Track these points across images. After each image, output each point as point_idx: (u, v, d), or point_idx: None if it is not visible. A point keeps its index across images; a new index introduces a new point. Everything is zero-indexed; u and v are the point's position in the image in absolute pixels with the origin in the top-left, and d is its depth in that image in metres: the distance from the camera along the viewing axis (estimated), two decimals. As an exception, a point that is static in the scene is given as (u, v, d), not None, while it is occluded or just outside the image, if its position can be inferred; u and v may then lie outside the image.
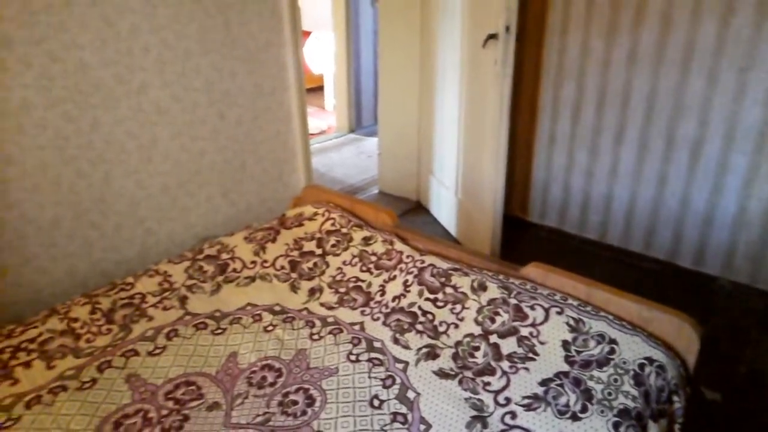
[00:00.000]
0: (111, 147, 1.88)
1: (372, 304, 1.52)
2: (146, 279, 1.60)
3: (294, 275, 1.66)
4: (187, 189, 2.14)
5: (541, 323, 1.33)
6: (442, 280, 1.51)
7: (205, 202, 2.22)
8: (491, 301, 1.41)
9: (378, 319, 1.46)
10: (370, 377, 1.26)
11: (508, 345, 1.30)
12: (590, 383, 1.18)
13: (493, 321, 1.36)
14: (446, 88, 2.86)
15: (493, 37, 2.32)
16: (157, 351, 1.35)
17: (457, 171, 2.84)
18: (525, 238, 3.03)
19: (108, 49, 1.78)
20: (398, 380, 1.24)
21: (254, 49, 2.22)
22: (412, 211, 3.32)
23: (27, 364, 1.29)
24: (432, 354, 1.31)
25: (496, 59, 2.33)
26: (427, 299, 1.48)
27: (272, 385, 1.25)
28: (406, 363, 1.30)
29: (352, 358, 1.32)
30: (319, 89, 5.72)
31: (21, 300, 1.77)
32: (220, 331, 1.43)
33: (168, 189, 2.08)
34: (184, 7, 1.95)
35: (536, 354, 1.27)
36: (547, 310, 1.35)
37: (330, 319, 1.47)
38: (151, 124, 1.96)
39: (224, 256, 1.71)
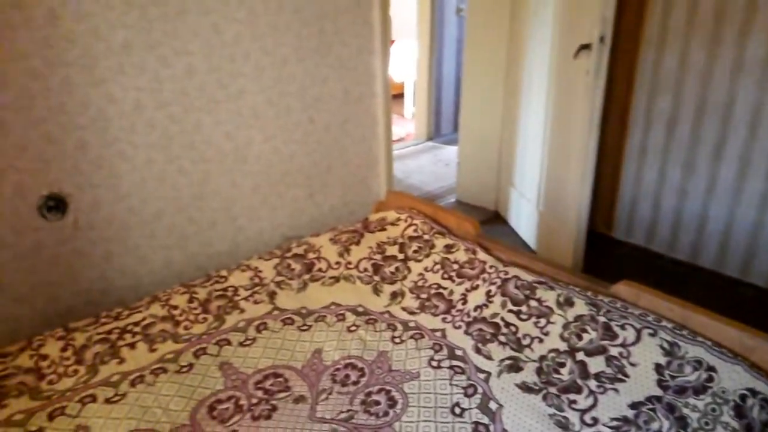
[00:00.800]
0: (210, 147, 1.99)
1: (453, 312, 1.52)
2: (239, 273, 1.68)
3: (376, 278, 1.69)
4: (277, 190, 2.24)
5: (632, 344, 1.28)
6: (527, 292, 1.49)
7: (291, 203, 2.31)
8: (578, 318, 1.37)
9: (459, 327, 1.46)
10: (451, 384, 1.26)
11: (596, 364, 1.26)
12: (685, 411, 1.12)
13: (579, 338, 1.33)
14: (532, 99, 2.82)
15: (585, 47, 2.26)
16: (248, 342, 1.43)
17: (540, 183, 2.79)
18: (608, 255, 2.91)
19: (214, 56, 1.90)
20: (480, 390, 1.24)
21: (345, 57, 2.29)
22: (489, 222, 3.29)
23: (132, 346, 1.40)
24: (515, 366, 1.30)
25: (587, 70, 2.27)
26: (510, 311, 1.46)
27: (355, 383, 1.28)
28: (488, 373, 1.29)
29: (434, 364, 1.33)
30: (398, 97, 5.79)
31: (124, 286, 1.92)
32: (305, 327, 1.48)
33: (259, 189, 2.18)
34: (284, 17, 2.05)
35: (626, 375, 1.23)
36: (638, 331, 1.30)
37: (411, 324, 1.49)
38: (247, 126, 2.07)
39: (311, 255, 1.77)
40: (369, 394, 1.25)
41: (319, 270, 1.73)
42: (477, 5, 3.19)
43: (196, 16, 1.82)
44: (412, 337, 1.43)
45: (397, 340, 1.43)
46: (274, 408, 1.21)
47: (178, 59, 1.82)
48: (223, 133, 2.01)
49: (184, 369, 1.33)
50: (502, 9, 3.02)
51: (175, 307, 1.52)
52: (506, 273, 1.57)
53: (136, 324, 1.46)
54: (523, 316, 1.43)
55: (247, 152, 2.10)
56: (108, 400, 1.23)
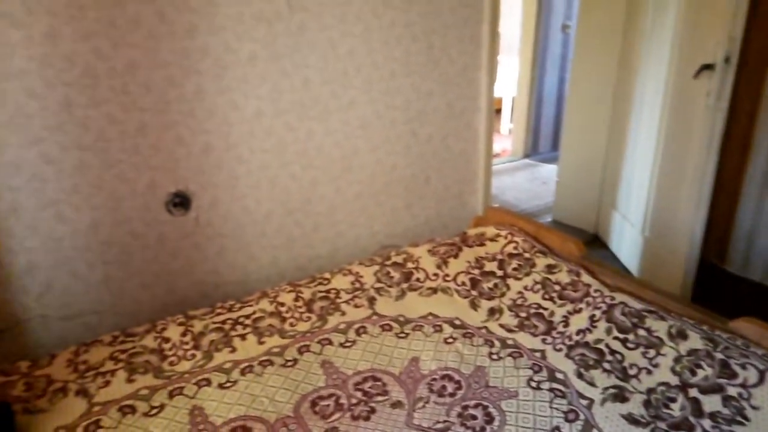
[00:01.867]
0: (320, 155, 2.09)
1: (554, 333, 1.49)
2: (341, 277, 1.75)
3: (474, 293, 1.69)
4: (377, 199, 2.30)
5: (754, 385, 1.19)
6: (634, 320, 1.43)
7: (389, 212, 2.36)
8: (692, 352, 1.30)
9: (560, 350, 1.42)
10: (551, 407, 1.23)
11: (711, 403, 1.19)
12: (817, 465, 1.03)
13: (693, 373, 1.25)
14: (642, 118, 2.69)
15: (707, 67, 2.14)
16: (348, 344, 1.48)
17: (647, 207, 2.65)
18: (721, 289, 2.71)
19: (328, 69, 2.00)
20: (582, 416, 1.20)
21: (451, 72, 2.32)
22: (588, 244, 3.15)
23: (243, 337, 1.50)
24: (620, 396, 1.25)
25: (708, 91, 2.14)
26: (616, 338, 1.41)
27: (452, 395, 1.29)
28: (591, 400, 1.25)
29: (533, 384, 1.31)
30: (496, 112, 5.74)
31: (233, 280, 2.05)
32: (403, 335, 1.51)
33: (361, 197, 2.25)
34: (395, 32, 2.11)
35: (746, 419, 1.14)
36: (762, 372, 1.20)
37: (509, 342, 1.48)
38: (355, 137, 2.15)
39: (409, 265, 1.80)
40: (466, 407, 1.25)
41: (417, 280, 1.75)
42: (587, 22, 3.11)
43: (315, 32, 1.93)
44: (510, 355, 1.42)
45: (495, 357, 1.42)
46: (373, 410, 1.25)
47: (297, 71, 1.94)
48: (333, 142, 2.10)
49: (289, 363, 1.40)
50: (614, 25, 2.92)
51: (282, 304, 1.61)
52: (612, 298, 1.51)
53: (247, 317, 1.56)
54: (630, 345, 1.37)
55: (352, 161, 2.18)
56: (221, 386, 1.32)
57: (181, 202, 1.86)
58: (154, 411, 1.24)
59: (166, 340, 1.46)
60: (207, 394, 1.29)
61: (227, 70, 1.80)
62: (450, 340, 1.49)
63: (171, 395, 1.29)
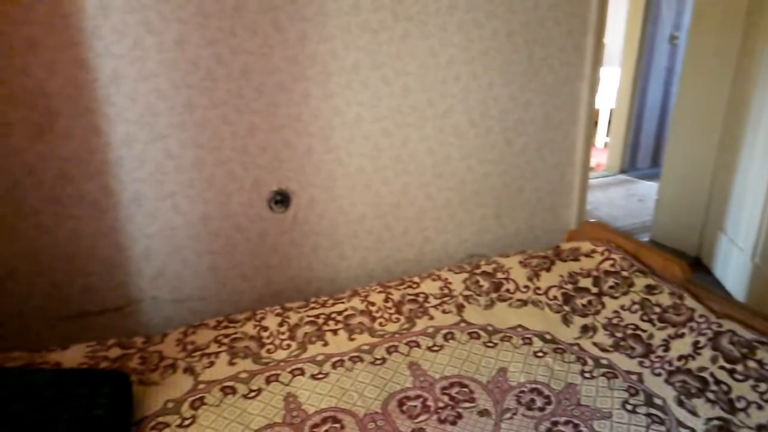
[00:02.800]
0: (413, 161, 2.13)
1: (653, 357, 1.42)
2: (430, 281, 1.77)
3: (566, 308, 1.65)
4: (466, 206, 2.30)
5: None
6: (744, 351, 1.33)
7: (479, 221, 2.36)
8: (812, 390, 1.19)
9: (660, 374, 1.36)
10: (648, 433, 1.18)
11: (834, 447, 1.09)
12: None
13: (812, 413, 1.15)
14: (759, 136, 2.50)
15: (841, 82, 1.96)
16: (436, 348, 1.49)
17: (759, 233, 2.46)
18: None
19: (428, 77, 2.04)
20: (681, 446, 1.14)
21: (551, 82, 2.28)
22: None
23: (334, 332, 1.55)
24: (726, 429, 1.17)
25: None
26: (722, 368, 1.32)
27: (541, 409, 1.27)
28: (693, 430, 1.18)
29: (629, 407, 1.26)
30: (590, 125, 5.53)
31: (324, 277, 2.13)
32: (491, 344, 1.51)
33: (450, 204, 2.27)
34: (496, 42, 2.11)
35: None
36: None
37: (603, 361, 1.43)
38: (448, 144, 2.17)
39: (499, 275, 1.79)
40: (555, 423, 1.22)
41: (507, 291, 1.74)
42: (701, 34, 2.94)
43: (417, 40, 1.97)
44: (604, 375, 1.37)
45: (587, 375, 1.38)
46: (459, 415, 1.25)
47: (397, 79, 1.99)
48: (426, 149, 2.14)
49: (378, 362, 1.44)
50: (731, 35, 2.74)
51: (373, 304, 1.66)
52: (719, 325, 1.42)
53: (339, 313, 1.62)
54: (739, 377, 1.29)
55: (444, 168, 2.20)
56: (313, 376, 1.38)
57: (281, 200, 1.96)
58: (252, 394, 1.32)
59: (265, 328, 1.55)
60: (300, 383, 1.36)
61: (332, 76, 1.88)
62: (540, 354, 1.46)
63: (268, 381, 1.36)
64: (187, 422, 1.23)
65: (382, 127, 2.03)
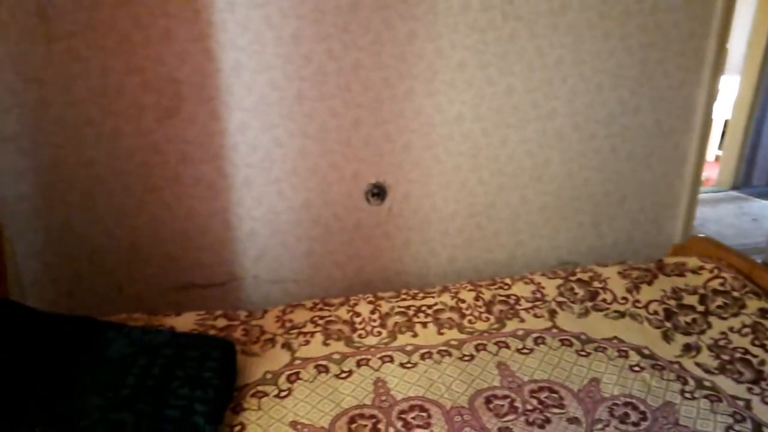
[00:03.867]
0: (511, 162, 2.11)
1: (763, 384, 1.32)
2: (522, 284, 1.75)
3: (668, 324, 1.57)
4: (563, 212, 2.25)
5: None
6: None
7: (575, 228, 2.29)
8: None
9: (771, 403, 1.26)
10: (755, 463, 1.11)
11: None
12: None
13: None
14: None
15: None
16: (525, 351, 1.48)
17: None
18: None
19: (533, 78, 2.01)
20: (794, 482, 1.06)
21: (664, 87, 2.17)
22: (807, 296, 2.71)
23: (424, 325, 1.58)
24: None
25: None
26: None
27: (635, 425, 1.22)
28: (808, 467, 1.09)
29: (734, 434, 1.18)
30: (700, 136, 5.17)
31: (413, 271, 2.17)
32: (584, 353, 1.47)
33: (546, 209, 2.22)
34: (608, 44, 2.04)
35: None
36: None
37: (707, 383, 1.35)
38: (549, 147, 2.13)
39: (596, 284, 1.74)
40: (650, 440, 1.18)
41: (603, 300, 1.68)
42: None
43: (525, 41, 1.95)
44: (706, 397, 1.30)
45: (688, 396, 1.31)
46: (548, 420, 1.24)
47: (502, 79, 1.98)
48: (525, 151, 2.11)
49: (466, 358, 1.45)
50: None
51: (463, 301, 1.67)
52: None
53: (428, 307, 1.65)
54: None
55: (543, 171, 2.16)
56: (402, 365, 1.42)
57: (378, 192, 2.02)
58: (344, 375, 1.38)
59: (357, 314, 1.61)
60: (390, 370, 1.40)
61: (437, 74, 1.91)
62: (636, 369, 1.41)
63: (358, 364, 1.42)
64: (283, 393, 1.30)
65: (483, 126, 2.03)
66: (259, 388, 1.32)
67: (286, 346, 1.48)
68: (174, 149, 1.77)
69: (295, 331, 1.53)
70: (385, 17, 1.79)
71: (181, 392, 1.17)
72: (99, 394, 1.13)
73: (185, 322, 1.53)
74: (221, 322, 1.55)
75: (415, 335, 1.54)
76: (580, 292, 1.72)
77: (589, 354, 1.47)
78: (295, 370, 1.38)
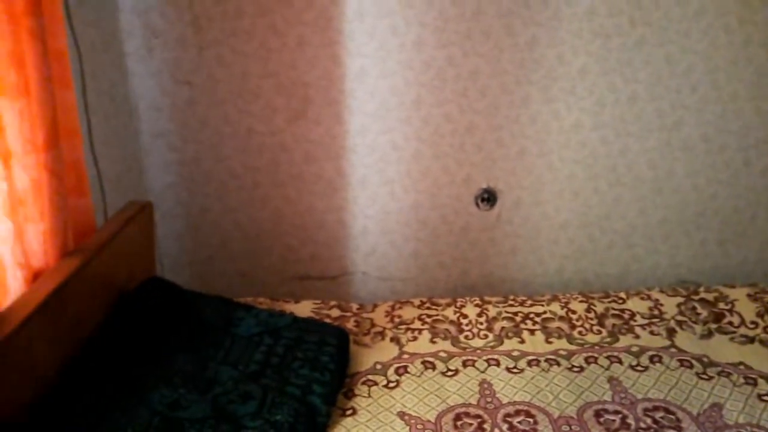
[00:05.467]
0: (629, 173, 2.03)
1: None
2: (637, 300, 1.69)
3: (805, 355, 1.45)
4: (685, 228, 2.12)
5: None
6: None
7: (697, 245, 2.15)
8: None
9: None
10: None
11: None
12: None
13: None
14: None
15: None
16: (640, 368, 1.43)
17: None
18: None
19: (659, 86, 1.92)
20: None
21: (813, 98, 1.98)
22: None
23: (531, 332, 1.58)
24: None
25: None
26: None
27: (764, 457, 1.15)
28: None
29: None
30: None
31: (519, 279, 2.15)
32: (705, 377, 1.39)
33: (667, 223, 2.11)
34: (748, 51, 1.89)
35: None
36: None
37: None
38: (672, 158, 2.02)
39: (721, 305, 1.63)
40: (781, 476, 1.10)
41: (730, 323, 1.58)
42: None
43: (653, 47, 1.87)
44: None
45: (827, 434, 1.20)
46: (663, 441, 1.19)
47: (625, 86, 1.91)
48: (647, 161, 2.02)
49: (575, 369, 1.42)
50: None
51: (573, 312, 1.64)
52: None
53: (537, 315, 1.64)
54: None
55: (665, 184, 2.05)
56: (509, 369, 1.43)
57: (488, 198, 2.03)
58: (450, 373, 1.41)
59: (464, 316, 1.63)
60: (495, 373, 1.41)
61: (557, 81, 1.89)
62: (766, 398, 1.31)
63: (464, 364, 1.44)
64: (392, 384, 1.36)
65: (601, 134, 1.98)
66: (370, 377, 1.39)
67: (395, 340, 1.54)
68: (300, 148, 1.90)
69: (404, 326, 1.59)
70: (508, 23, 1.80)
71: (301, 372, 1.27)
72: (231, 367, 1.25)
73: (303, 309, 1.65)
74: (335, 312, 1.65)
75: (522, 341, 1.54)
76: (704, 312, 1.62)
77: (711, 378, 1.39)
78: (403, 364, 1.44)
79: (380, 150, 1.94)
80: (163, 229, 1.96)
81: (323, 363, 1.31)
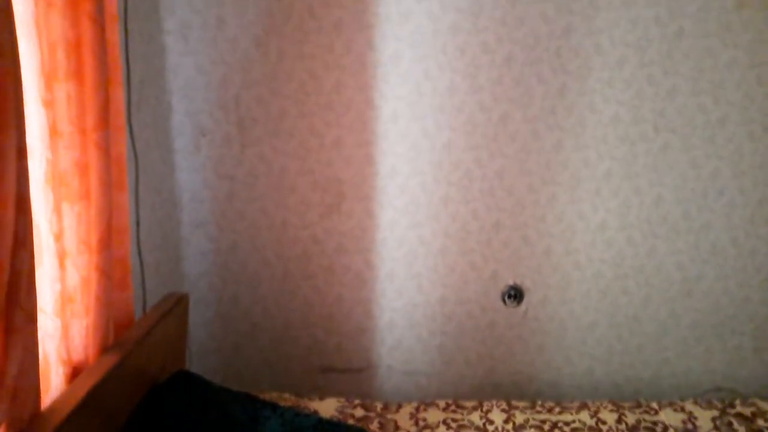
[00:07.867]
0: (659, 273, 2.02)
1: None
2: (670, 411, 1.64)
3: None
4: (718, 332, 2.07)
5: None
6: None
7: (732, 351, 2.09)
8: None
9: None
10: None
11: None
12: None
13: None
14: None
15: None
16: (676, 489, 1.36)
17: None
18: None
19: (685, 189, 1.94)
20: None
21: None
22: None
23: (563, 441, 1.53)
24: None
25: None
26: None
27: None
28: None
29: None
30: None
31: (546, 379, 2.10)
32: (747, 503, 1.32)
33: (698, 326, 2.07)
34: (772, 158, 1.94)
35: None
36: None
37: None
38: (701, 261, 2.01)
39: (760, 422, 1.57)
40: None
41: (770, 443, 1.51)
42: None
43: (677, 152, 1.92)
44: None
45: None
46: None
47: (650, 189, 1.95)
48: (675, 263, 2.02)
49: (607, 487, 1.37)
50: None
51: (604, 422, 1.59)
52: None
53: (566, 423, 1.59)
54: None
55: (694, 286, 2.04)
56: (537, 483, 1.38)
57: (515, 294, 2.03)
58: (476, 484, 1.37)
59: (491, 422, 1.60)
60: (523, 487, 1.37)
61: (582, 182, 1.94)
62: None
63: (491, 475, 1.40)
64: (416, 495, 1.33)
65: (628, 235, 1.99)
66: (393, 484, 1.36)
67: (420, 444, 1.51)
68: (331, 240, 1.96)
69: (428, 430, 1.56)
70: (533, 128, 1.88)
71: (324, 478, 1.25)
72: (255, 469, 1.24)
73: (327, 407, 1.64)
74: (359, 412, 1.63)
75: (552, 452, 1.49)
76: (740, 429, 1.56)
77: (753, 505, 1.32)
78: (427, 472, 1.41)
79: (408, 244, 1.98)
80: (194, 316, 2.01)
81: (347, 469, 1.29)
